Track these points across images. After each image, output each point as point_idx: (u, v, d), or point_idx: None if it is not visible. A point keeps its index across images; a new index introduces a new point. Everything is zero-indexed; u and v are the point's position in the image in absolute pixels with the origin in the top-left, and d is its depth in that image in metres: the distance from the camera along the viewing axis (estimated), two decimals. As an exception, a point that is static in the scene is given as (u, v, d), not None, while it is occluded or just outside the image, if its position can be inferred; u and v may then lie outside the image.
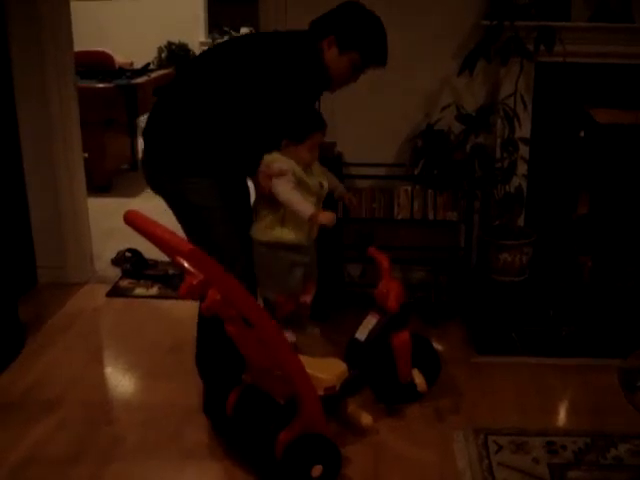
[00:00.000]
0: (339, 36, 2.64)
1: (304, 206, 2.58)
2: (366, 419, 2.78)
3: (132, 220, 2.30)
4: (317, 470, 2.46)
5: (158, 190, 2.76)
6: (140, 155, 2.83)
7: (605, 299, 3.57)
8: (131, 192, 5.86)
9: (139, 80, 6.22)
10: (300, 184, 2.63)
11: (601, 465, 2.66)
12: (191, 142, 2.62)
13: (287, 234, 2.68)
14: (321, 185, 2.74)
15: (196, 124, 2.61)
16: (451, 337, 3.59)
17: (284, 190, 2.58)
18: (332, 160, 3.69)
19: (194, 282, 2.20)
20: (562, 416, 3.04)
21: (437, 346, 3.45)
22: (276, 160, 2.62)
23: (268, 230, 2.69)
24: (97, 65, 6.48)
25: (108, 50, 6.91)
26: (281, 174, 2.58)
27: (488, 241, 3.57)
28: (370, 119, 3.80)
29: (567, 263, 3.70)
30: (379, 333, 2.85)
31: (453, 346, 3.51)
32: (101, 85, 5.91)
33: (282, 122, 2.65)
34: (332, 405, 2.70)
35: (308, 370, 2.52)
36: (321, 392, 2.58)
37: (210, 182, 2.65)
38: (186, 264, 2.22)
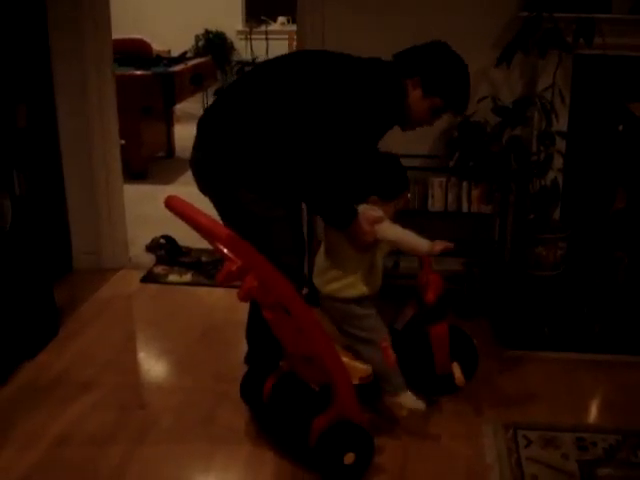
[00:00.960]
0: (426, 80, 2.61)
1: (419, 241, 2.61)
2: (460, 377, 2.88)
3: (173, 205, 2.33)
4: (350, 457, 2.47)
5: (209, 192, 2.71)
6: (191, 153, 2.76)
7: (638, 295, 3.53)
8: (167, 179, 5.93)
9: (176, 68, 6.27)
10: None
11: (632, 463, 2.65)
12: (256, 161, 2.57)
13: (369, 288, 2.68)
14: None
15: (263, 142, 2.56)
16: (482, 330, 3.56)
17: (394, 231, 2.59)
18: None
19: (232, 268, 2.23)
20: (593, 413, 3.02)
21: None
22: (369, 209, 2.59)
23: (350, 288, 2.66)
24: (135, 52, 6.55)
25: (146, 38, 6.96)
26: (380, 220, 2.57)
27: (523, 234, 3.55)
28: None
29: (603, 259, 3.66)
30: (416, 323, 2.86)
31: (484, 339, 3.47)
32: (138, 73, 5.96)
33: (352, 155, 2.59)
34: (367, 394, 2.71)
35: (344, 359, 2.54)
36: (356, 381, 2.58)
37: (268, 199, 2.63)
38: (225, 250, 2.24)
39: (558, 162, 3.57)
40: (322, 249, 2.75)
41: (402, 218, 3.73)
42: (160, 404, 3.02)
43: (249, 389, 2.86)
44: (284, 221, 2.69)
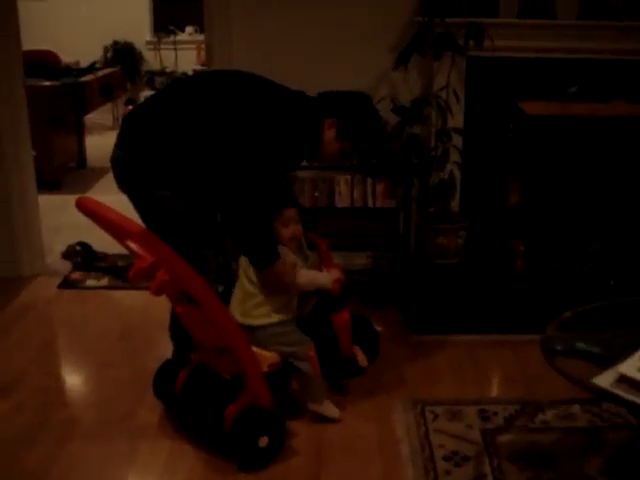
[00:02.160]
0: (342, 124, 2.77)
1: (322, 279, 2.84)
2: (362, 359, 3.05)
3: (84, 205, 2.42)
4: (264, 441, 2.60)
5: (127, 190, 2.76)
6: (111, 153, 2.83)
7: (535, 280, 3.78)
8: (80, 189, 5.93)
9: (86, 78, 6.30)
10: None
11: (530, 429, 2.86)
12: (176, 168, 2.67)
13: (286, 313, 2.82)
14: (307, 257, 2.92)
15: (183, 153, 2.66)
16: (391, 318, 3.76)
17: (305, 277, 2.77)
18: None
19: (143, 265, 2.31)
20: (495, 387, 3.25)
21: (378, 327, 3.63)
22: (286, 253, 2.73)
23: (272, 314, 2.78)
24: (43, 64, 6.52)
25: (54, 49, 6.95)
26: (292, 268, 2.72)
27: (425, 226, 3.77)
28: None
29: (500, 246, 3.91)
30: (319, 311, 3.00)
31: (393, 326, 3.69)
32: (48, 83, 5.96)
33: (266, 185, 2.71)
34: (277, 380, 2.83)
35: (253, 348, 2.67)
36: (265, 368, 2.70)
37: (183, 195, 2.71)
38: (135, 247, 2.33)
39: (454, 157, 3.80)
40: (240, 281, 2.82)
41: (311, 214, 3.94)
42: (81, 403, 3.10)
43: (162, 385, 2.94)
44: (200, 215, 2.77)
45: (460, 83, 3.83)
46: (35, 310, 3.94)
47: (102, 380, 3.28)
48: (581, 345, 2.46)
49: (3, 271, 4.28)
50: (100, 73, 6.70)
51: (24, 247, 4.32)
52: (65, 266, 4.47)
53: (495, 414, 2.95)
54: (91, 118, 8.00)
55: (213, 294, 2.51)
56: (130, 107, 8.15)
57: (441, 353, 3.44)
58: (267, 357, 2.74)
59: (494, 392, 3.20)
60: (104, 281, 4.28)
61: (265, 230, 2.71)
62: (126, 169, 2.74)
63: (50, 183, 5.85)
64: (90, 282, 4.27)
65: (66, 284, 4.25)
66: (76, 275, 4.36)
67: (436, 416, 2.94)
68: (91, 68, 6.74)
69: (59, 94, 5.94)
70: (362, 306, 3.83)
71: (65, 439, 2.81)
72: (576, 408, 2.98)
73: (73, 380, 3.34)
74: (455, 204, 3.92)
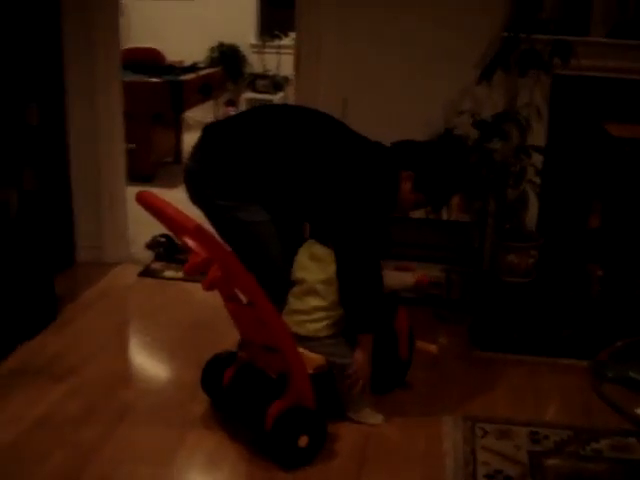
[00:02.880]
0: (418, 177, 2.82)
1: None
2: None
3: (143, 199, 2.53)
4: (303, 440, 2.64)
5: (198, 203, 2.85)
6: (187, 163, 2.93)
7: (609, 306, 3.68)
8: (171, 183, 6.11)
9: (186, 77, 6.51)
10: None
11: (580, 456, 2.79)
12: (246, 181, 2.75)
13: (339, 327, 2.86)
14: None
15: (258, 171, 2.75)
16: (458, 332, 3.75)
17: None
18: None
19: (197, 260, 2.40)
20: (551, 411, 3.17)
21: (443, 340, 3.66)
22: None
23: (328, 328, 2.83)
24: (148, 61, 6.80)
25: (159, 47, 7.22)
26: None
27: (497, 242, 3.73)
28: (391, 124, 3.97)
29: (575, 269, 3.83)
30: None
31: (458, 341, 3.68)
32: (150, 80, 6.21)
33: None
34: (322, 383, 2.85)
35: (300, 350, 2.72)
36: (311, 370, 2.75)
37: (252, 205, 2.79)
38: (191, 243, 2.43)
39: (531, 174, 3.74)
40: (296, 291, 2.86)
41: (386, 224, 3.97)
42: (140, 389, 3.21)
43: (209, 380, 3.02)
44: (268, 226, 2.81)
45: (544, 101, 3.78)
46: (113, 295, 4.13)
47: (164, 368, 3.43)
48: (634, 374, 2.41)
49: (89, 257, 4.50)
50: (201, 73, 6.92)
51: (110, 235, 4.53)
52: (147, 256, 4.65)
53: (546, 437, 2.90)
54: (192, 116, 8.29)
55: (264, 294, 2.57)
56: (230, 108, 8.38)
57: (501, 372, 3.40)
58: (314, 359, 2.79)
59: (549, 416, 3.13)
60: (182, 273, 4.43)
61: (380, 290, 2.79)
62: (199, 181, 2.82)
63: (144, 176, 6.09)
64: (169, 273, 4.43)
65: (146, 273, 4.43)
66: (157, 265, 4.53)
67: (485, 433, 2.92)
68: (193, 68, 6.97)
69: (159, 91, 6.17)
70: (431, 319, 3.85)
71: (119, 421, 2.93)
72: (632, 440, 2.90)
73: (137, 365, 3.49)
74: (532, 223, 3.86)
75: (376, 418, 2.96)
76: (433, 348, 3.15)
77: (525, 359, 3.50)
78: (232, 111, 8.22)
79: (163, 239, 4.71)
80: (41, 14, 4.07)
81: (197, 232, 2.41)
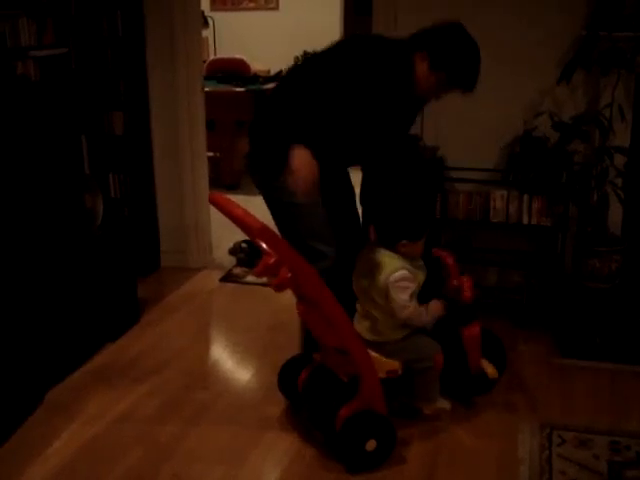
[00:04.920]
0: (432, 54, 2.77)
1: (430, 316, 2.81)
2: (492, 371, 3.03)
3: (215, 201, 2.59)
4: (371, 444, 2.64)
5: (259, 187, 2.94)
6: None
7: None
8: (255, 191, 6.24)
9: (269, 86, 6.60)
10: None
11: (662, 468, 2.71)
12: (287, 139, 2.71)
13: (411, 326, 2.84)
14: (424, 268, 2.88)
15: (293, 123, 2.73)
16: (538, 338, 3.68)
17: (408, 314, 2.74)
18: (435, 163, 3.90)
19: (269, 261, 2.42)
20: (634, 420, 3.05)
21: (522, 347, 3.59)
22: (395, 269, 2.71)
23: (398, 330, 2.82)
24: (234, 71, 6.93)
25: (245, 58, 7.35)
26: (405, 288, 2.72)
27: (578, 246, 3.63)
28: (471, 125, 3.93)
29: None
30: (445, 325, 2.97)
31: (538, 347, 3.60)
32: (234, 89, 6.34)
33: (374, 127, 2.83)
34: (395, 387, 2.86)
35: (373, 354, 2.73)
36: (383, 374, 2.74)
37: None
38: (262, 244, 2.46)
39: (612, 176, 3.62)
40: (362, 300, 2.86)
41: (465, 228, 3.94)
42: (218, 389, 3.29)
43: (286, 380, 3.05)
44: (312, 207, 2.81)
45: (628, 101, 3.65)
46: (195, 300, 4.23)
47: (242, 369, 3.49)
48: None
49: (173, 262, 4.63)
50: (285, 81, 7.01)
51: (194, 241, 4.65)
52: (230, 261, 4.74)
53: (627, 448, 2.80)
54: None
55: (331, 295, 2.58)
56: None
57: (582, 379, 3.31)
58: (385, 363, 2.79)
59: (632, 425, 3.01)
60: (263, 278, 4.48)
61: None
62: (253, 161, 2.90)
63: (229, 184, 6.21)
64: (250, 278, 4.50)
65: (228, 278, 4.52)
66: (238, 270, 4.61)
67: (563, 441, 2.84)
68: (277, 76, 7.05)
69: (242, 100, 6.29)
70: (510, 324, 3.79)
71: (197, 419, 3.02)
72: None
73: (216, 366, 3.55)
74: (616, 227, 3.73)
75: (446, 404, 2.94)
76: (492, 372, 3.07)
77: (607, 366, 3.39)
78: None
79: (245, 245, 4.79)
80: (127, 26, 4.22)
81: (262, 232, 2.45)
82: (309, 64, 3.01)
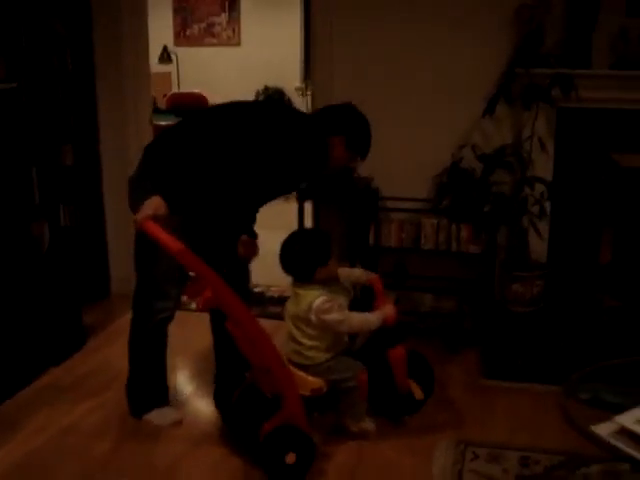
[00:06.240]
0: (349, 138, 3.03)
1: (372, 319, 2.99)
2: (419, 393, 3.19)
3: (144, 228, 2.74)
4: (291, 458, 2.77)
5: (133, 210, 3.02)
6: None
7: (622, 337, 3.67)
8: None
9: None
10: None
11: (567, 480, 2.84)
12: (177, 185, 2.89)
13: (336, 349, 3.03)
14: (344, 288, 3.10)
15: (188, 172, 2.87)
16: (467, 362, 3.82)
17: (357, 321, 2.97)
18: (368, 193, 4.07)
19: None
20: (549, 437, 3.18)
21: (453, 370, 3.73)
22: (314, 297, 2.91)
23: (322, 353, 2.99)
24: (193, 105, 7.12)
25: (204, 92, 7.55)
26: (329, 309, 2.92)
27: (501, 272, 3.80)
28: (403, 157, 4.13)
29: (585, 299, 3.85)
30: (371, 346, 3.16)
31: (467, 370, 3.74)
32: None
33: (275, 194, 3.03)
34: (319, 405, 3.01)
35: (299, 373, 2.90)
36: (307, 392, 2.90)
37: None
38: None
39: (532, 206, 3.80)
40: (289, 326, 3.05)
41: (398, 255, 4.10)
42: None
43: (221, 399, 3.20)
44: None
45: (549, 133, 3.85)
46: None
47: (181, 387, 3.64)
48: (607, 396, 2.45)
49: (124, 289, 4.66)
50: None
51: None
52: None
53: (537, 462, 2.93)
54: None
55: (250, 314, 2.73)
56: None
57: (503, 399, 3.45)
58: (310, 382, 2.94)
59: (545, 442, 3.15)
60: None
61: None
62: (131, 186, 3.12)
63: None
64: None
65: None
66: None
67: (476, 457, 2.98)
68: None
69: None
70: (443, 348, 3.93)
71: (132, 437, 3.17)
72: (626, 466, 2.89)
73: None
74: (540, 254, 3.91)
75: (371, 426, 3.11)
76: (418, 393, 3.23)
77: (527, 387, 3.54)
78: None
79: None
80: (76, 61, 4.38)
81: (181, 254, 2.60)
82: (228, 116, 3.05)
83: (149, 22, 4.58)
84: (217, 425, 3.21)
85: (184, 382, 3.71)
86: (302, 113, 3.20)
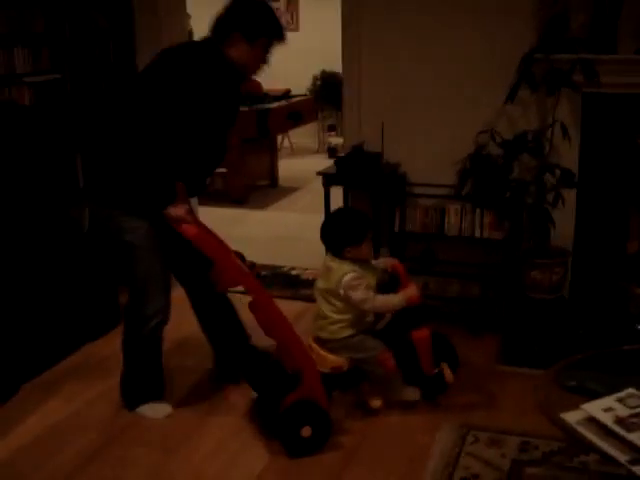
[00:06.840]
0: (244, 31, 2.86)
1: (395, 301, 3.11)
2: (449, 376, 3.26)
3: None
4: (306, 431, 2.91)
5: (98, 226, 3.09)
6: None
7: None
8: (261, 205, 6.55)
9: (273, 105, 6.94)
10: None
11: (564, 467, 2.84)
12: (126, 175, 2.87)
13: (359, 327, 3.14)
14: (375, 269, 3.20)
15: (128, 154, 2.81)
16: (487, 347, 3.84)
17: (381, 302, 3.09)
18: (395, 178, 4.12)
19: None
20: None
21: (472, 354, 3.76)
22: (344, 272, 3.03)
23: (345, 329, 3.11)
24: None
25: (266, 79, 7.67)
26: (357, 286, 3.02)
27: (520, 259, 3.80)
28: (429, 144, 4.16)
29: (610, 287, 3.81)
30: (395, 326, 3.28)
31: (486, 355, 3.77)
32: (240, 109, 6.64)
33: (213, 138, 2.97)
34: (341, 382, 3.16)
35: (320, 351, 3.09)
36: (327, 370, 3.06)
37: (144, 224, 2.96)
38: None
39: (569, 196, 3.79)
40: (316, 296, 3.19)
41: (423, 240, 4.14)
42: (184, 379, 3.65)
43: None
44: (152, 251, 3.04)
45: (574, 119, 3.81)
46: (175, 308, 4.49)
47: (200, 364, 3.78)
48: (592, 384, 2.46)
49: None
50: (293, 100, 7.33)
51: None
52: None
53: (536, 448, 2.96)
54: (296, 142, 8.71)
55: (268, 295, 2.98)
56: (332, 132, 8.72)
57: (514, 384, 3.47)
58: (330, 359, 3.09)
59: (548, 428, 3.14)
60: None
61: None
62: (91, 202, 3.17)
63: (235, 199, 6.52)
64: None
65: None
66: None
67: (476, 440, 3.02)
68: (284, 96, 7.37)
69: (247, 118, 6.59)
70: (465, 333, 3.96)
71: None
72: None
73: (175, 369, 3.83)
74: (563, 241, 3.88)
75: (415, 394, 3.24)
76: (449, 376, 3.28)
77: (539, 373, 3.52)
78: (333, 136, 8.57)
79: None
80: (118, 51, 4.57)
81: (197, 236, 2.88)
82: (135, 87, 2.97)
83: (205, 9, 4.67)
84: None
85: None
86: (202, 42, 2.97)
